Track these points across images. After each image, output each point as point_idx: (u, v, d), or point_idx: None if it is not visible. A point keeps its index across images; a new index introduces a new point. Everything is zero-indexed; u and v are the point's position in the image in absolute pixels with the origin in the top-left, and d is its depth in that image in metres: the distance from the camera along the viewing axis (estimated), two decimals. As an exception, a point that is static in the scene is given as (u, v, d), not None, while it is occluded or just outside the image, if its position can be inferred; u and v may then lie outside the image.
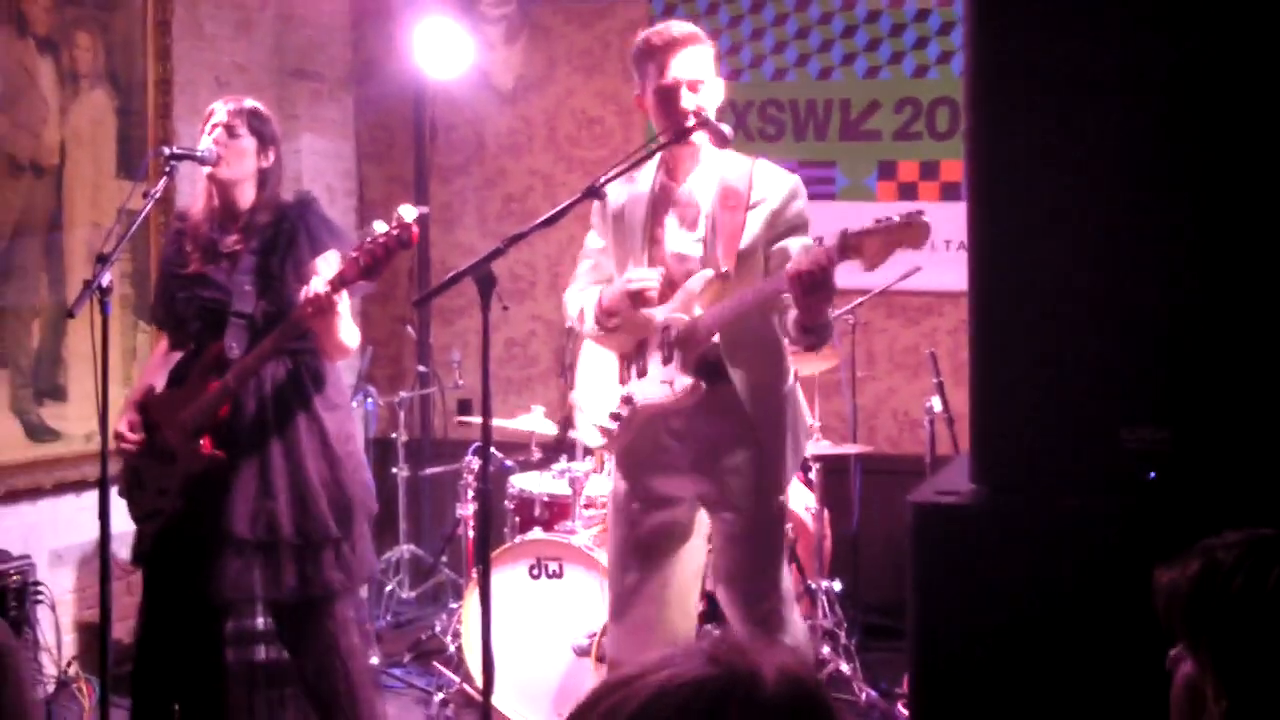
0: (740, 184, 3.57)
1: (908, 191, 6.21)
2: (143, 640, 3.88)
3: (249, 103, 3.88)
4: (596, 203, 3.67)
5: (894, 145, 6.25)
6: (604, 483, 4.98)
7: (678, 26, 3.57)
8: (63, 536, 5.03)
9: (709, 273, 3.52)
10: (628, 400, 3.63)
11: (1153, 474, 2.44)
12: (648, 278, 3.54)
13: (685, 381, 3.51)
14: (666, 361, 3.55)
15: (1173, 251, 2.44)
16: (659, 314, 3.57)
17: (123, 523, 3.84)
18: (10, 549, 4.69)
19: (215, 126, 3.79)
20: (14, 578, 4.55)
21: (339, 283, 3.62)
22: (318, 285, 3.59)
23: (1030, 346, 2.53)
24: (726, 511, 3.60)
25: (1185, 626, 1.77)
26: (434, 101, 6.78)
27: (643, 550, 3.67)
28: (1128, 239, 2.47)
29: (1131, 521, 2.43)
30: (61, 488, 5.01)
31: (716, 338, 3.51)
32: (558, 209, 3.42)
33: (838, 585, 5.38)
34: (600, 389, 3.75)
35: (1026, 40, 2.52)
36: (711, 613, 4.38)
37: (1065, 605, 2.43)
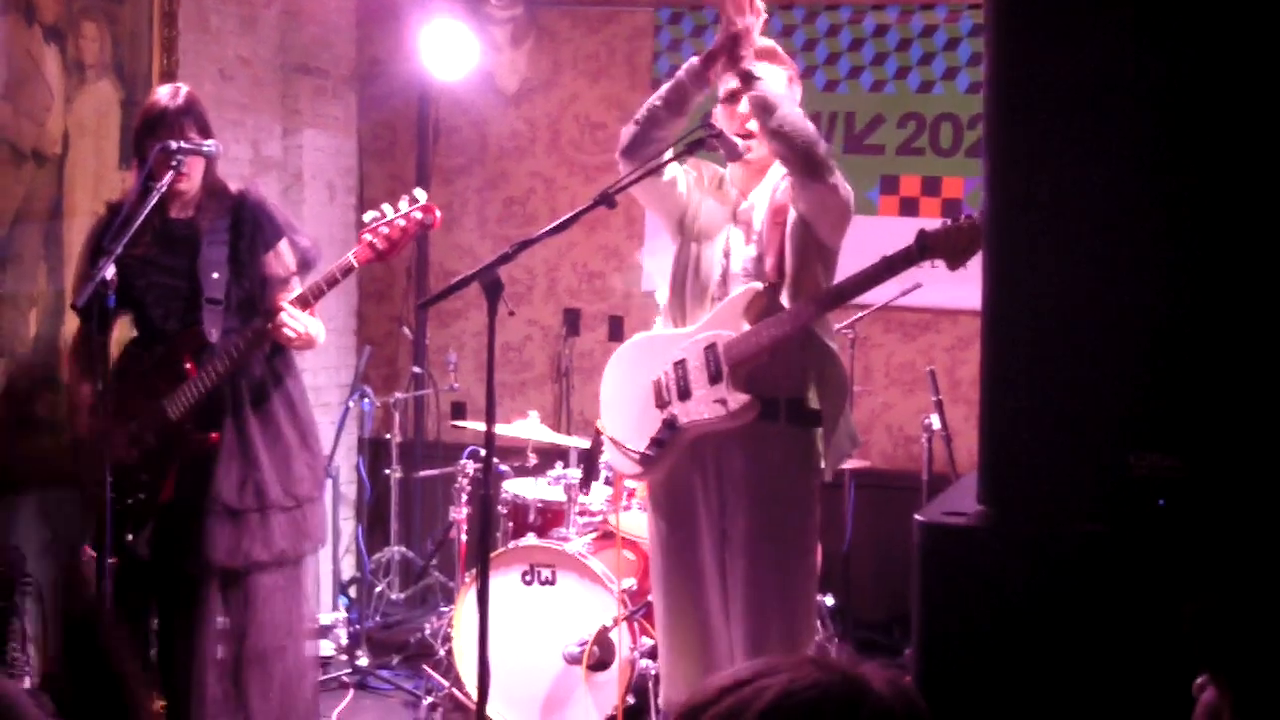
0: (787, 199, 3.59)
1: (909, 206, 6.21)
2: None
3: (188, 97, 3.90)
4: (711, 168, 3.77)
5: (896, 160, 6.25)
6: (604, 492, 4.96)
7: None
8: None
9: (758, 285, 3.51)
10: (670, 423, 3.57)
11: (1162, 500, 2.43)
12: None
13: (741, 398, 3.47)
14: (714, 380, 3.51)
15: (1190, 275, 2.42)
16: (696, 331, 3.56)
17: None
18: (-1, 539, 4.67)
19: (178, 149, 3.79)
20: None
21: (321, 289, 3.81)
22: (287, 317, 3.78)
23: (1043, 368, 2.50)
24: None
25: (1207, 654, 1.76)
26: (438, 102, 6.76)
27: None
28: (1145, 261, 2.44)
29: (1140, 548, 2.42)
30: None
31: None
32: (568, 216, 3.40)
33: (830, 600, 5.36)
34: (630, 415, 3.69)
35: (1048, 55, 2.48)
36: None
37: (1071, 631, 2.41)
